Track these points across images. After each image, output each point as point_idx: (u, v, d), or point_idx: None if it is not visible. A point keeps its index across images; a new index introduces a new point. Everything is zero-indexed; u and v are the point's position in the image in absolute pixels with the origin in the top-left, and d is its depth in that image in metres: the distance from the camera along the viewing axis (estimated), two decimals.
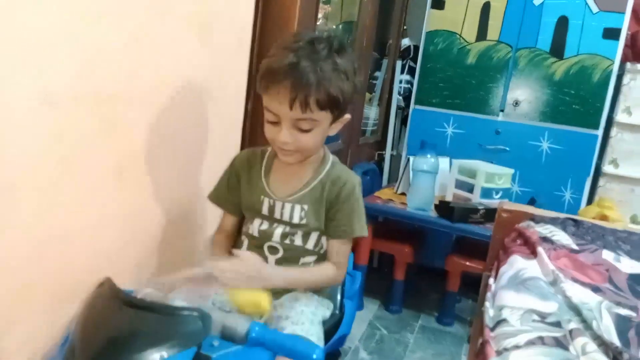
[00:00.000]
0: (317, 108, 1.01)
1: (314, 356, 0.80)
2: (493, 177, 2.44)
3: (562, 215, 1.58)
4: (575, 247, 1.33)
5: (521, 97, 2.76)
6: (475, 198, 2.45)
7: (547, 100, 2.72)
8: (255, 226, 1.18)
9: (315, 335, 1.07)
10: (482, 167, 2.47)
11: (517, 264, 1.21)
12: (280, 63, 0.99)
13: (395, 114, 3.10)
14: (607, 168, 2.70)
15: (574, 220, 1.52)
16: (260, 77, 1.04)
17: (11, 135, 0.85)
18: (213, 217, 1.31)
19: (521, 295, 1.05)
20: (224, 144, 1.57)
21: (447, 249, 2.60)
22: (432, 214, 2.35)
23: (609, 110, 2.66)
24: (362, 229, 1.16)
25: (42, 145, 0.91)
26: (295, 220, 1.15)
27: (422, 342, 2.29)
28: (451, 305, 2.51)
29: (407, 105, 3.06)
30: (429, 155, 2.33)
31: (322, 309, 1.19)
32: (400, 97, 3.08)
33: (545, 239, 1.34)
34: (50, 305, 0.99)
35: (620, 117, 2.66)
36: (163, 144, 1.27)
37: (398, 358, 2.12)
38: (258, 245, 1.18)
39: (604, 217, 2.44)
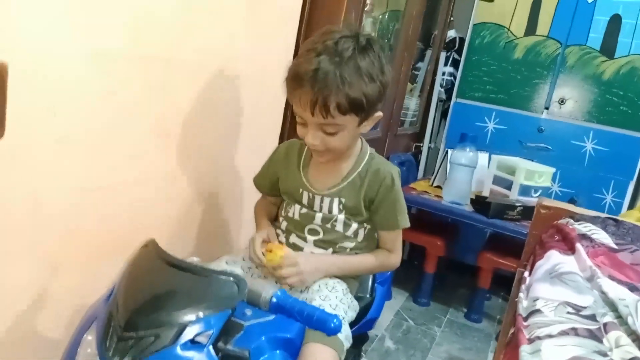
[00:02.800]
0: (338, 113, 1.01)
1: (332, 325, 0.82)
2: (533, 174, 2.40)
3: (603, 215, 1.54)
4: (614, 246, 1.30)
5: (567, 95, 2.69)
6: (513, 195, 2.41)
7: (594, 100, 2.64)
8: (297, 210, 1.20)
9: (341, 311, 1.09)
10: (522, 164, 2.43)
11: (554, 258, 1.19)
12: (302, 68, 1.00)
13: (436, 106, 3.07)
14: None
15: (615, 220, 1.48)
16: (286, 81, 1.05)
17: (64, 91, 0.90)
18: (249, 195, 1.35)
19: (556, 288, 1.04)
20: (266, 121, 1.60)
21: (480, 244, 2.57)
22: (468, 208, 2.33)
23: None
24: (405, 220, 1.20)
25: (93, 101, 0.96)
26: (335, 212, 1.18)
27: (449, 335, 2.28)
28: (481, 302, 2.49)
29: (449, 98, 3.02)
30: (468, 149, 2.31)
31: (353, 291, 1.21)
32: (442, 90, 3.05)
33: (584, 237, 1.32)
34: (92, 257, 1.04)
35: None
36: (206, 112, 1.30)
37: (424, 349, 2.11)
38: (298, 227, 1.21)
39: None
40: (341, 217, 1.18)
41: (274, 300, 0.84)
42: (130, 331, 0.74)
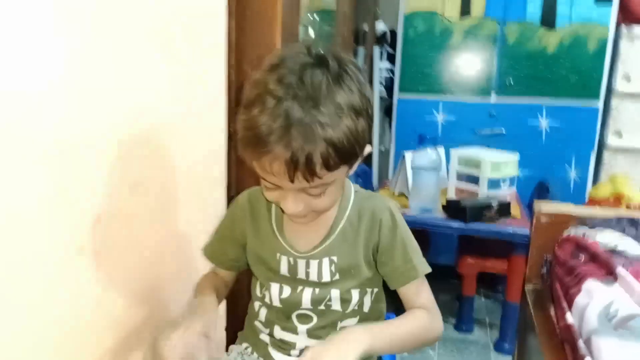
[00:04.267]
0: (325, 171, 0.74)
1: None
2: (499, 166, 2.23)
3: (612, 214, 1.38)
4: None
5: (513, 74, 2.56)
6: (482, 191, 2.24)
7: (542, 75, 2.53)
8: (275, 293, 0.92)
9: None
10: (486, 156, 2.26)
11: (598, 293, 0.99)
12: (263, 126, 0.71)
13: (379, 106, 2.86)
14: (610, 140, 2.54)
15: (630, 220, 1.31)
16: (244, 143, 0.75)
17: None
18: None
19: (630, 345, 0.83)
20: (206, 181, 1.30)
21: (452, 244, 2.40)
22: (439, 214, 2.13)
23: (607, 78, 2.49)
24: (424, 264, 0.92)
25: None
26: (326, 278, 0.90)
27: (446, 357, 2.08)
28: (469, 311, 2.31)
29: (390, 95, 2.82)
30: (429, 150, 2.10)
31: None
32: (382, 87, 2.84)
33: (613, 252, 1.13)
34: None
35: (619, 85, 2.49)
36: (132, 196, 0.98)
37: None
38: (282, 315, 0.93)
39: (619, 196, 2.27)
40: (335, 292, 0.90)
41: None
42: None
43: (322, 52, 0.77)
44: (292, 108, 0.71)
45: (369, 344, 0.80)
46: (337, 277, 0.90)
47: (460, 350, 2.14)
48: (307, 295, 0.90)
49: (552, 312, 1.26)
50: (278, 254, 0.91)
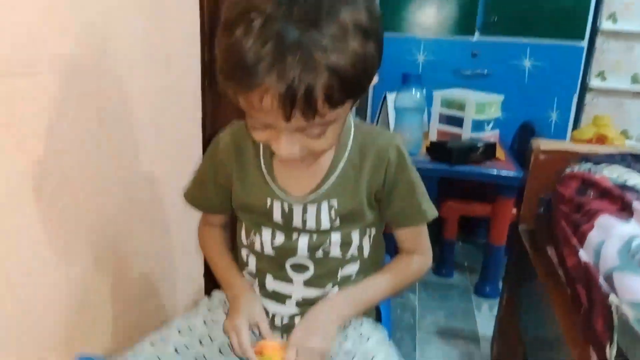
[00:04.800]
0: (328, 108, 0.61)
1: None
2: (484, 107, 2.14)
3: (614, 150, 1.31)
4: None
5: (498, 11, 2.44)
6: (466, 133, 2.15)
7: (526, 13, 2.42)
8: (267, 240, 0.81)
9: None
10: (469, 96, 2.16)
11: (616, 229, 0.92)
12: (249, 51, 0.56)
13: None
14: (594, 82, 2.48)
15: (633, 155, 1.25)
16: (225, 74, 0.61)
17: None
18: (178, 224, 0.93)
19: None
20: (180, 117, 1.16)
21: (433, 188, 2.33)
22: (422, 157, 2.04)
23: (592, 18, 2.40)
24: (432, 208, 0.85)
25: None
26: (325, 225, 0.80)
27: (428, 302, 2.04)
28: (450, 255, 2.27)
29: None
30: (414, 90, 1.99)
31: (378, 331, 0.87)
32: None
33: (624, 187, 1.06)
34: None
35: (605, 24, 2.42)
36: (97, 131, 0.85)
37: (409, 328, 1.86)
38: (275, 264, 0.83)
39: (602, 137, 2.24)
40: (336, 237, 0.80)
41: None
42: None
43: None
44: (286, 28, 0.57)
45: (352, 314, 0.82)
46: (337, 222, 0.80)
47: (441, 294, 2.11)
48: (303, 243, 0.80)
49: (551, 252, 1.21)
50: (269, 200, 0.80)
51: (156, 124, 1.04)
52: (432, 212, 0.85)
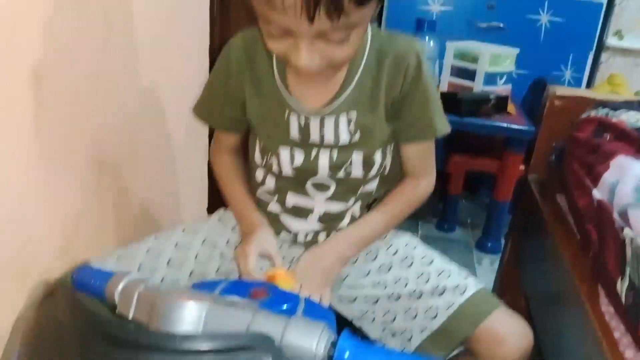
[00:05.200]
0: (354, 6, 0.57)
1: None
2: (498, 59, 2.08)
3: (632, 98, 1.27)
4: None
5: None
6: (478, 86, 2.10)
7: None
8: (286, 160, 0.78)
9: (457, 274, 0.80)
10: (484, 49, 2.10)
11: (633, 169, 0.89)
12: None
13: None
14: (610, 40, 2.41)
15: None
16: None
17: None
18: (183, 142, 0.90)
19: None
20: (186, 27, 1.10)
21: (440, 144, 2.29)
22: None
23: None
24: (444, 123, 0.79)
25: None
26: (344, 139, 0.76)
27: None
28: (453, 210, 2.25)
29: None
30: (427, 38, 1.94)
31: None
32: None
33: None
34: None
35: None
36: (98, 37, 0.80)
37: None
38: (295, 184, 0.80)
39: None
40: (358, 156, 0.77)
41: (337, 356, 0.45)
42: None
43: None
44: None
45: (353, 254, 0.81)
46: (357, 137, 0.76)
47: (443, 248, 2.04)
48: (324, 161, 0.77)
49: (561, 200, 1.18)
50: (287, 112, 0.76)
51: (163, 30, 0.99)
52: (444, 127, 0.79)
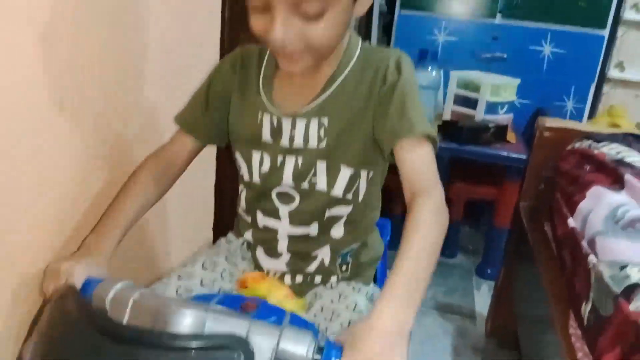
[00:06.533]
0: None
1: None
2: (499, 89, 2.15)
3: (619, 131, 1.33)
4: None
5: None
6: (479, 115, 2.16)
7: None
8: (255, 166, 0.81)
9: None
10: (485, 78, 2.17)
11: (606, 198, 0.95)
12: None
13: (378, 21, 2.71)
14: (612, 72, 2.47)
15: (635, 136, 1.26)
16: None
17: None
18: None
19: (638, 244, 0.79)
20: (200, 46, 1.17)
21: (443, 170, 2.35)
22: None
23: (616, 6, 2.37)
24: (425, 124, 0.72)
25: None
26: (312, 143, 0.77)
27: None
28: (454, 236, 2.30)
29: (390, 11, 2.68)
30: (430, 68, 2.01)
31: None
32: (382, 2, 2.69)
33: (620, 163, 1.08)
34: None
35: (628, 14, 2.40)
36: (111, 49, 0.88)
37: None
38: (262, 194, 0.82)
39: (616, 127, 2.23)
40: (322, 165, 0.78)
41: None
42: None
43: None
44: None
45: (412, 320, 0.60)
46: (324, 143, 0.77)
47: (443, 273, 2.14)
48: (289, 168, 0.79)
49: (547, 227, 1.23)
50: (260, 114, 0.79)
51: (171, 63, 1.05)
52: (425, 127, 0.72)
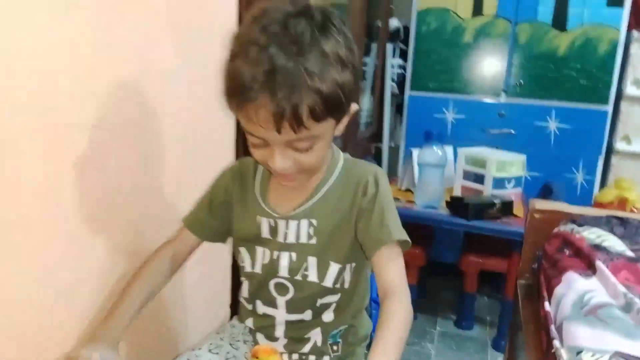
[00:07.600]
0: (313, 122, 0.75)
1: None
2: (504, 165, 2.25)
3: (604, 213, 1.40)
4: (631, 254, 1.15)
5: (524, 74, 2.58)
6: (487, 190, 2.26)
7: (552, 77, 2.54)
8: (258, 258, 0.94)
9: None
10: (492, 155, 2.29)
11: (577, 284, 1.03)
12: (247, 73, 0.73)
13: (390, 102, 2.89)
14: (619, 145, 2.54)
15: (618, 219, 1.34)
16: (228, 93, 0.77)
17: None
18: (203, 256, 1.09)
19: (597, 332, 0.87)
20: (213, 137, 1.33)
21: (458, 242, 2.43)
22: (443, 210, 2.17)
23: (617, 83, 2.49)
24: (399, 231, 0.86)
25: None
26: (303, 239, 0.90)
27: (445, 351, 2.11)
28: (470, 308, 2.34)
29: (401, 92, 2.86)
30: (435, 147, 2.14)
31: None
32: (394, 84, 2.88)
33: (597, 248, 1.16)
34: None
35: (629, 89, 2.49)
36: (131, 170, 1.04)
37: None
38: (261, 284, 0.94)
39: (623, 200, 2.28)
40: (312, 260, 0.90)
41: None
42: None
43: (307, 3, 0.78)
44: (276, 54, 0.72)
45: None
46: (314, 240, 0.90)
47: (459, 345, 2.17)
48: (284, 261, 0.91)
49: (536, 305, 1.30)
50: (259, 217, 0.93)
51: (192, 167, 1.22)
52: (397, 233, 0.84)
